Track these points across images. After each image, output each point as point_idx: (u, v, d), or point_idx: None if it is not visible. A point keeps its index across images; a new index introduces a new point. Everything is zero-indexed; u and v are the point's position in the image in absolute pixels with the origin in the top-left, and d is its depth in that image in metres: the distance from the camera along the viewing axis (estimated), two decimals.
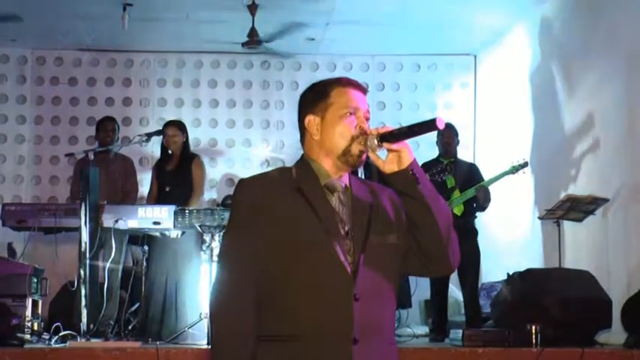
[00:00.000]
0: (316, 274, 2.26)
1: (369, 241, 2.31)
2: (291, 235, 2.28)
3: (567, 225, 6.69)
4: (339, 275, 2.26)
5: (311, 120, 2.40)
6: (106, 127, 7.21)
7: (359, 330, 2.23)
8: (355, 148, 2.34)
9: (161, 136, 7.00)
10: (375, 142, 2.28)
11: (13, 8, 7.69)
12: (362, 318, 2.24)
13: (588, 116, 6.79)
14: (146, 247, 6.52)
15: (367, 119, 2.40)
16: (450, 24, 8.30)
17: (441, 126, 2.23)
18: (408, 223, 2.35)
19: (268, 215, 2.30)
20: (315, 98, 2.42)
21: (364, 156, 2.35)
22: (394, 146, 2.27)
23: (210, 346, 2.30)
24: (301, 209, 2.30)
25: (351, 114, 2.37)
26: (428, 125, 2.26)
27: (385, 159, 2.30)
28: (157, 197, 6.95)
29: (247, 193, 2.36)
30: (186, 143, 7.03)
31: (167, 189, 6.89)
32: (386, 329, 2.36)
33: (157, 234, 6.42)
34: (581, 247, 6.77)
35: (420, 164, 2.39)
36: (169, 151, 7.00)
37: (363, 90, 2.44)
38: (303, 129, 2.44)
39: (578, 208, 6.40)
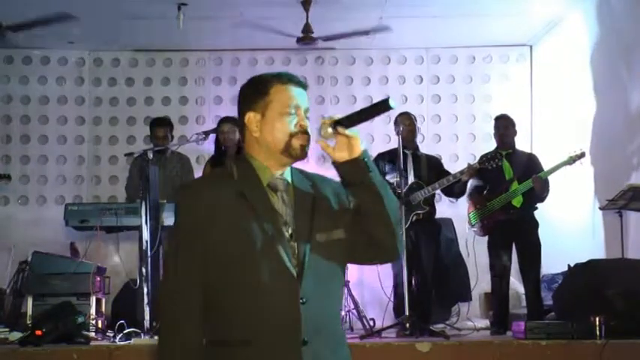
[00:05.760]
0: (263, 280, 2.24)
1: (313, 240, 2.30)
2: (236, 242, 2.26)
3: (630, 215, 6.57)
4: (285, 279, 2.25)
5: (251, 117, 2.37)
6: (157, 134, 7.22)
7: (307, 331, 2.24)
8: (296, 143, 2.34)
9: (216, 134, 7.06)
10: (330, 130, 2.28)
11: (70, 10, 7.79)
12: (309, 319, 2.24)
13: None
14: None
15: (307, 118, 2.38)
16: (504, 14, 8.20)
17: (393, 105, 2.25)
18: (356, 213, 2.33)
19: (212, 222, 2.28)
20: (255, 95, 2.38)
21: (307, 149, 2.35)
22: (347, 132, 2.27)
23: (157, 354, 2.31)
24: (245, 215, 2.28)
25: (290, 114, 2.35)
26: (381, 106, 2.28)
27: (335, 147, 2.30)
28: None
29: (191, 199, 2.34)
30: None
31: None
32: (333, 325, 2.37)
33: None
34: None
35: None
36: (223, 148, 7.08)
37: (303, 86, 2.41)
38: (242, 125, 2.41)
39: None
